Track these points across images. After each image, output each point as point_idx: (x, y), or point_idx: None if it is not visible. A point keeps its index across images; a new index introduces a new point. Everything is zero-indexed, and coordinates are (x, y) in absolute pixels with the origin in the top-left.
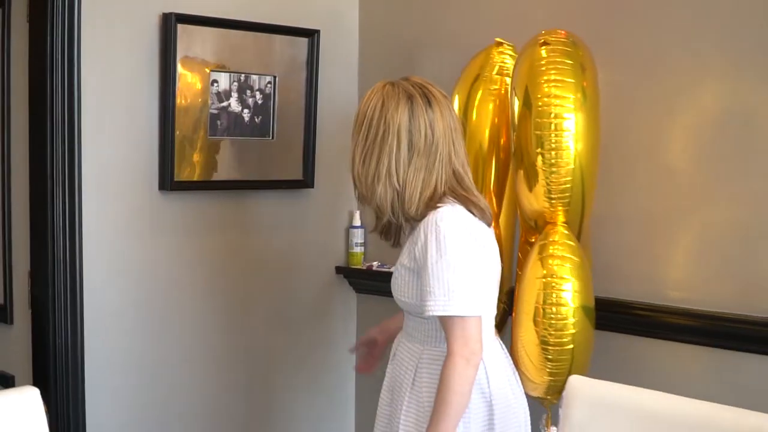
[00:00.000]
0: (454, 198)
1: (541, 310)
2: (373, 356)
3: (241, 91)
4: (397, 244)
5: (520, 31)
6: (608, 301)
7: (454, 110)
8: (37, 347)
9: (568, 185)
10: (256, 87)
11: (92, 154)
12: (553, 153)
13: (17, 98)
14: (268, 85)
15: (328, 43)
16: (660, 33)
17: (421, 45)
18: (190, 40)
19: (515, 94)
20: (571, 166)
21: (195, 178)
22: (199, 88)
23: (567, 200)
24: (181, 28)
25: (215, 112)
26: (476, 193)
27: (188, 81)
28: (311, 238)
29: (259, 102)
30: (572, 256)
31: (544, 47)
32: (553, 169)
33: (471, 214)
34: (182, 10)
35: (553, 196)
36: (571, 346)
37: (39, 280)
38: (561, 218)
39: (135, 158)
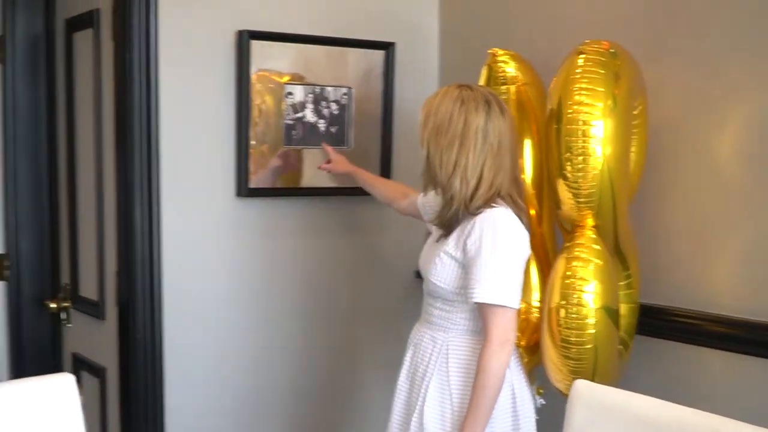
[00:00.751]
0: (510, 203)
1: (563, 310)
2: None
3: (316, 102)
4: (449, 234)
5: (594, 35)
6: (656, 307)
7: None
8: (123, 342)
9: (595, 190)
10: (332, 98)
11: (171, 163)
12: (580, 159)
13: (107, 112)
14: (344, 97)
15: (405, 54)
16: (713, 36)
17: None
18: (264, 55)
19: (550, 103)
20: (597, 171)
21: (271, 185)
22: (274, 99)
23: (594, 204)
24: (255, 44)
25: (290, 122)
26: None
27: (263, 93)
28: (390, 243)
29: (335, 113)
30: (596, 259)
31: (580, 57)
32: (580, 174)
33: (519, 220)
34: (257, 27)
35: (580, 200)
36: (591, 345)
37: (124, 280)
38: (590, 222)
39: (212, 166)
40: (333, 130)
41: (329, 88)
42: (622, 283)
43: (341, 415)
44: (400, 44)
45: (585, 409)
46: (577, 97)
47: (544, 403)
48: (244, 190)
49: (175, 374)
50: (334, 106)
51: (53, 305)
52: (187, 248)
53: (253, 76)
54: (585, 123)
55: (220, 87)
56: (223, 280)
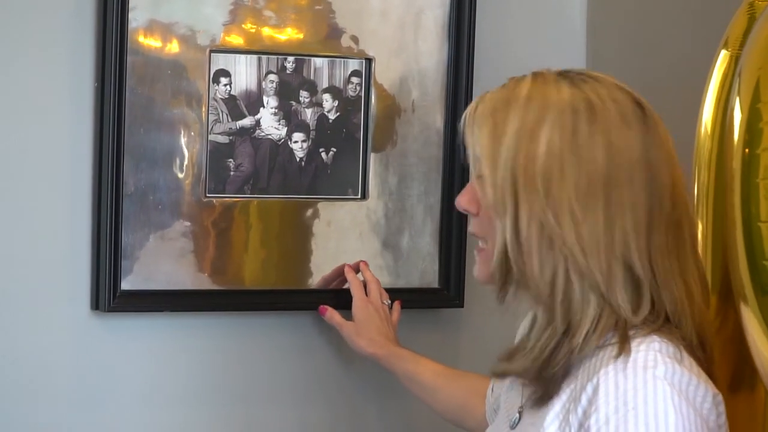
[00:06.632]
0: (671, 326)
1: None
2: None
3: (285, 92)
4: (544, 403)
5: None
6: None
7: None
8: None
9: None
10: (324, 84)
11: None
12: None
13: None
14: (353, 79)
15: None
16: None
17: None
18: None
19: (738, 93)
20: None
21: (172, 286)
22: (186, 88)
23: None
24: None
25: (223, 140)
26: None
27: (157, 75)
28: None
29: (332, 118)
30: None
31: None
32: None
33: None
34: None
35: None
36: None
37: None
38: None
39: (34, 251)
40: (326, 158)
41: (319, 61)
42: None
43: None
44: None
45: None
46: None
47: None
48: (109, 296)
49: None
50: (328, 102)
51: None
52: None
53: (137, 35)
54: None
55: (61, 61)
56: None
